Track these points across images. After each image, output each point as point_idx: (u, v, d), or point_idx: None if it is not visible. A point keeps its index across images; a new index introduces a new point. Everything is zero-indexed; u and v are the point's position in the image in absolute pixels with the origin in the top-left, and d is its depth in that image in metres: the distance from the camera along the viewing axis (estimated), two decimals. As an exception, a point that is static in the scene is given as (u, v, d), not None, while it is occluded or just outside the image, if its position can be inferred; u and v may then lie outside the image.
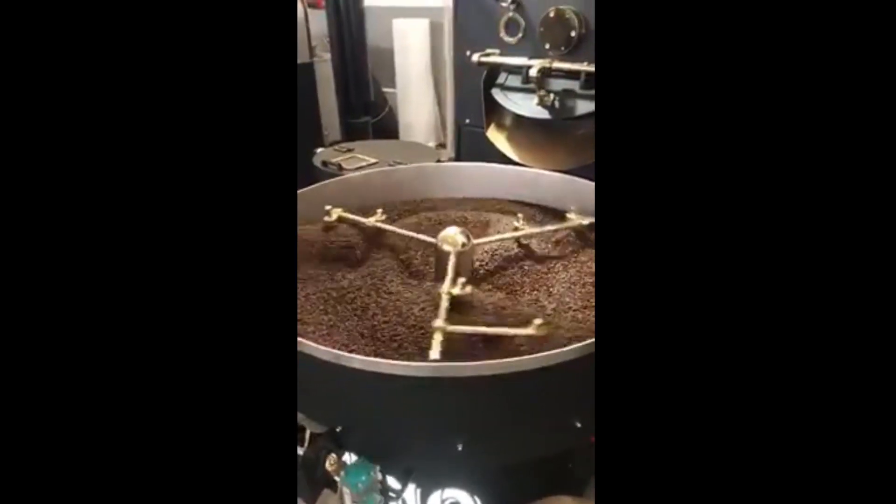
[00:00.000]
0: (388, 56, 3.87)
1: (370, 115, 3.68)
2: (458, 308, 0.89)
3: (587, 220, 1.12)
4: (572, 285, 0.99)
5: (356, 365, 0.71)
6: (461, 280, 0.91)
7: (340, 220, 1.16)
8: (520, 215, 1.15)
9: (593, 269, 1.03)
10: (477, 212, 1.25)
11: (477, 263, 1.08)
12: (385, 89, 3.93)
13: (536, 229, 1.12)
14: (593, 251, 1.09)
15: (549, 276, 1.04)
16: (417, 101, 3.95)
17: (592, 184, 1.21)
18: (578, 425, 0.81)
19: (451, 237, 1.05)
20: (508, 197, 1.30)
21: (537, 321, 0.78)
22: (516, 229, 1.12)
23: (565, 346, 0.73)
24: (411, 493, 0.98)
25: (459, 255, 1.01)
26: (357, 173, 1.46)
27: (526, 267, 1.07)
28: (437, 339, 0.77)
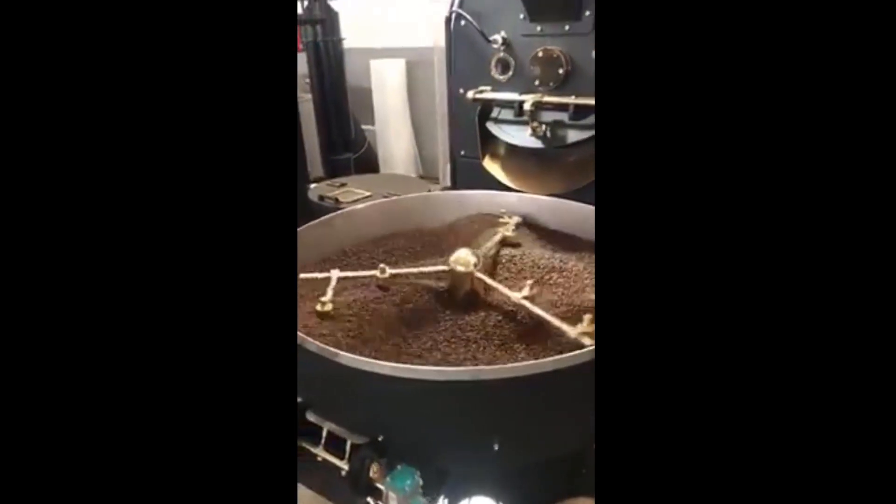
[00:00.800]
0: (366, 94, 4.01)
1: (351, 152, 3.78)
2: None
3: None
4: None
5: (392, 373, 0.78)
6: (528, 282, 1.00)
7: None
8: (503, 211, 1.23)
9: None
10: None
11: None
12: (364, 126, 4.05)
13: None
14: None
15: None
16: (396, 136, 4.08)
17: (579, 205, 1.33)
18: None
19: (463, 258, 1.13)
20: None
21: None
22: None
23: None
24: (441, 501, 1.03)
25: (475, 271, 1.10)
26: (362, 205, 1.53)
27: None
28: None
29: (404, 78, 3.99)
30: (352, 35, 3.52)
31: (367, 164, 3.96)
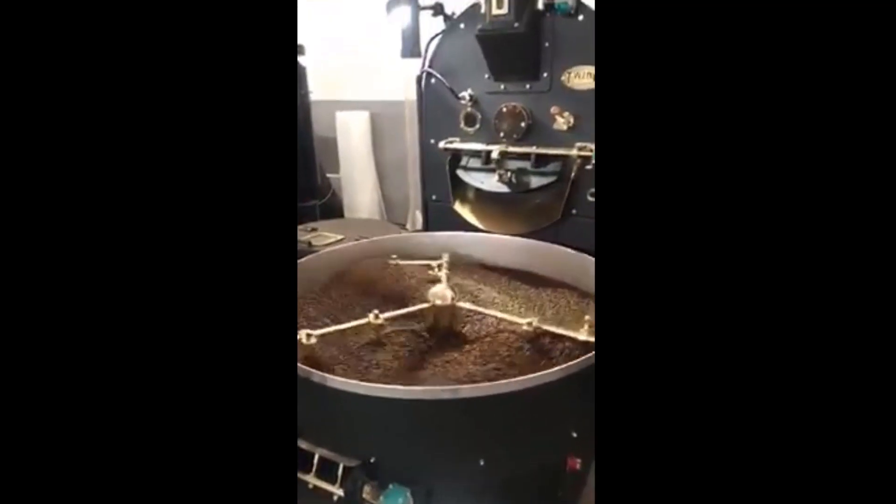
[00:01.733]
0: (331, 144, 4.14)
1: (316, 199, 3.86)
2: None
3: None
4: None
5: (380, 394, 0.84)
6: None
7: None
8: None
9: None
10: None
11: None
12: (329, 174, 4.15)
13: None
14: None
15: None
16: (361, 183, 4.20)
17: (548, 246, 1.46)
18: (574, 435, 0.97)
19: (441, 293, 1.23)
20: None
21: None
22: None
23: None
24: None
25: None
26: (340, 246, 1.61)
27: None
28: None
29: (369, 128, 4.15)
30: (318, 88, 3.67)
31: (332, 210, 4.04)
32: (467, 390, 0.88)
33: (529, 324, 1.07)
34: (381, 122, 4.11)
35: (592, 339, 1.00)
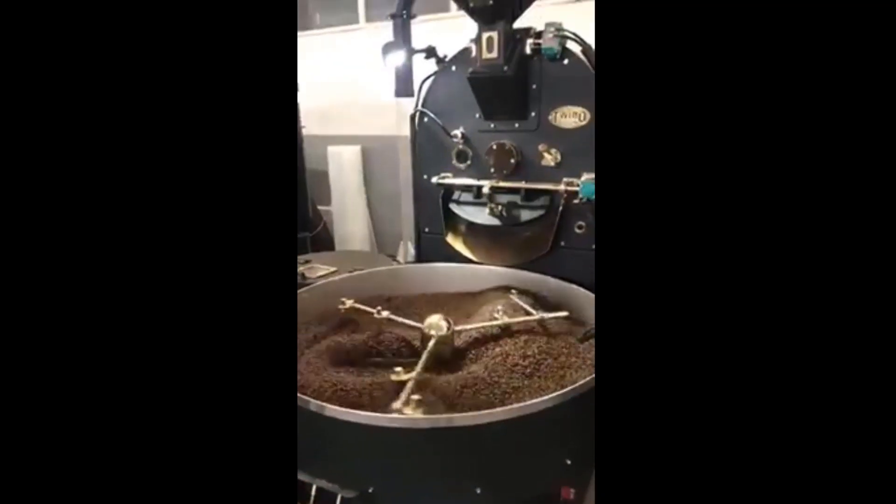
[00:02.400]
0: (323, 177, 4.21)
1: (308, 231, 3.90)
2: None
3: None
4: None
5: (376, 423, 0.87)
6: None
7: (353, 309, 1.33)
8: (499, 307, 1.35)
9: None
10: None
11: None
12: (320, 206, 4.20)
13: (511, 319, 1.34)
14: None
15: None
16: (352, 216, 4.25)
17: (536, 275, 1.51)
18: (569, 462, 0.99)
19: (436, 323, 1.26)
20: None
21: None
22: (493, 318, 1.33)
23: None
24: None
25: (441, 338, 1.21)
26: (336, 278, 1.64)
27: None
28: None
29: (360, 163, 4.23)
30: (311, 123, 3.75)
31: (323, 242, 4.07)
32: (461, 419, 0.91)
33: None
34: (373, 156, 4.20)
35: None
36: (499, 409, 0.91)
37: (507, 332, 1.26)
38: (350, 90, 4.02)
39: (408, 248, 3.51)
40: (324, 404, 0.92)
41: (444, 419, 0.91)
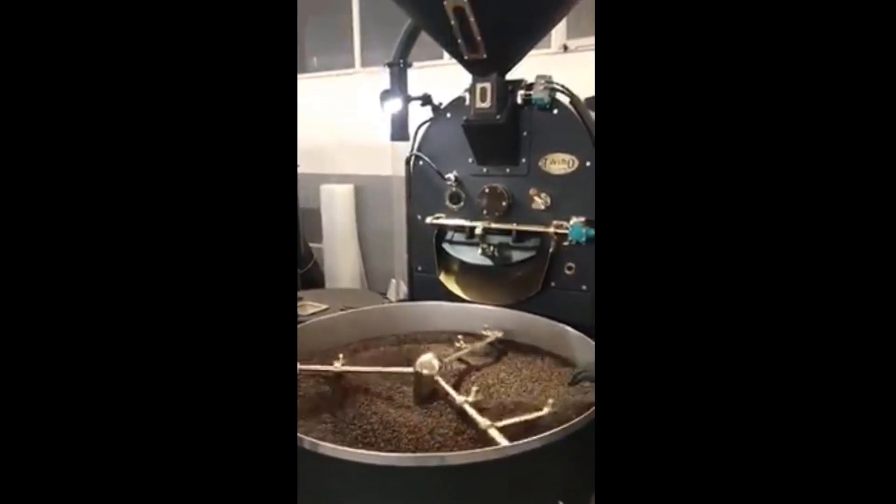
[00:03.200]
0: (315, 215, 4.25)
1: (299, 268, 3.91)
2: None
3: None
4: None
5: (370, 461, 0.89)
6: (473, 389, 1.15)
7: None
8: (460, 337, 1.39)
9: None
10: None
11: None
12: (311, 244, 4.23)
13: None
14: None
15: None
16: (343, 253, 4.27)
17: (526, 314, 1.55)
18: (560, 503, 0.99)
19: (429, 362, 1.28)
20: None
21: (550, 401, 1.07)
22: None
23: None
24: None
25: (436, 376, 1.24)
26: (329, 315, 1.66)
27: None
28: (496, 433, 1.00)
29: (352, 201, 4.29)
30: (304, 162, 3.83)
31: (313, 279, 4.08)
32: (453, 457, 0.92)
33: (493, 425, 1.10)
34: (365, 195, 4.26)
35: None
36: (488, 449, 0.93)
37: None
38: (344, 131, 4.12)
39: (399, 287, 3.53)
40: (317, 441, 0.93)
41: (435, 458, 0.93)
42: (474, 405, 1.12)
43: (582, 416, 1.00)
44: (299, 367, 1.31)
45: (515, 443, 0.94)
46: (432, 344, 1.54)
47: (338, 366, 1.34)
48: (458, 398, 1.16)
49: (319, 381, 1.34)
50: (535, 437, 0.94)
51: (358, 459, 0.89)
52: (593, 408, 1.03)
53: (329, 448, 0.92)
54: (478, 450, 0.94)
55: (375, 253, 4.32)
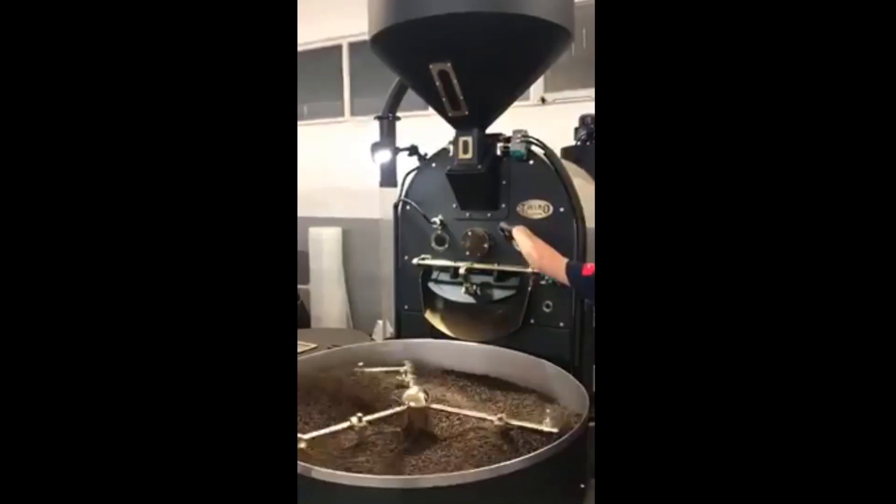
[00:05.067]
0: (302, 257, 4.34)
1: (285, 309, 3.96)
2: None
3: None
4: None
5: (364, 484, 0.95)
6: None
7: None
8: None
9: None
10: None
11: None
12: (298, 286, 4.30)
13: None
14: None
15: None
16: (329, 295, 4.34)
17: (508, 350, 1.64)
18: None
19: (415, 395, 1.36)
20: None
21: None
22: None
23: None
24: None
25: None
26: (316, 353, 1.74)
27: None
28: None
29: (340, 244, 4.40)
30: (295, 206, 3.94)
31: (300, 321, 4.12)
32: (440, 479, 1.00)
33: (500, 419, 1.21)
34: (352, 237, 4.38)
35: (555, 429, 1.15)
36: (476, 470, 1.00)
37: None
38: (333, 176, 4.27)
39: (385, 327, 3.59)
40: (310, 466, 0.99)
41: (427, 479, 1.00)
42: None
43: (564, 437, 1.09)
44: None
45: (501, 464, 1.01)
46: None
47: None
48: (484, 415, 1.24)
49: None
50: (520, 458, 1.02)
51: (355, 483, 0.96)
52: (572, 430, 1.13)
53: (321, 472, 0.98)
54: (464, 471, 1.01)
55: (361, 295, 4.40)
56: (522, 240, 1.55)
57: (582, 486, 1.21)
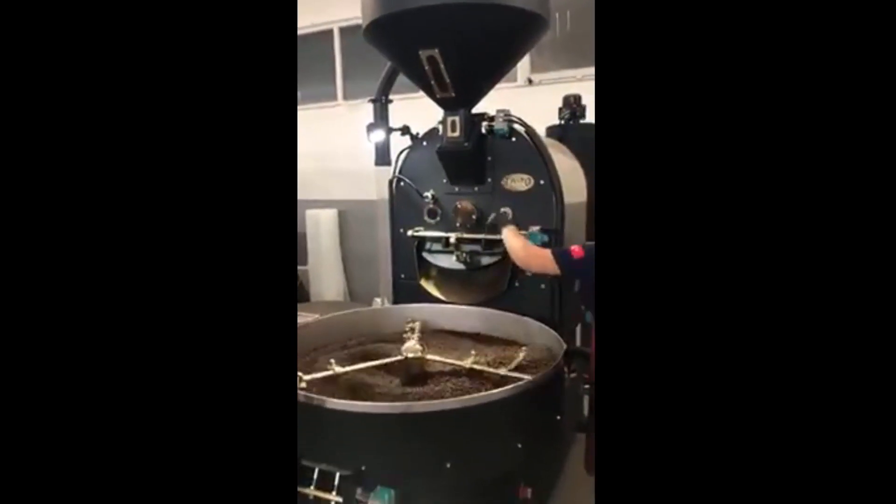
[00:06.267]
0: (301, 239, 4.48)
1: (286, 288, 4.12)
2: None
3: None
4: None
5: (365, 410, 1.14)
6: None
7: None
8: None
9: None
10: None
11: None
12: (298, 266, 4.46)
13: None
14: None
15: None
16: (327, 274, 4.50)
17: (497, 311, 1.81)
18: (520, 446, 1.25)
19: (412, 347, 1.54)
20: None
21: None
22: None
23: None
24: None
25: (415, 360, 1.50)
26: (327, 315, 1.92)
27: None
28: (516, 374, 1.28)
29: (336, 225, 4.55)
30: (292, 189, 4.08)
31: (299, 299, 4.29)
32: (431, 405, 1.18)
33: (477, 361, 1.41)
34: (349, 219, 4.53)
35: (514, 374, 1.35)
36: (458, 398, 1.19)
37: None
38: (328, 159, 4.40)
39: (383, 304, 3.75)
40: (324, 398, 1.17)
41: (419, 405, 1.18)
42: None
43: (540, 374, 1.27)
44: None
45: (476, 395, 1.20)
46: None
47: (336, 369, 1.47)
48: (461, 362, 1.42)
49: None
50: (496, 390, 1.20)
51: (358, 410, 1.14)
52: (553, 365, 1.32)
53: (335, 403, 1.16)
54: (444, 399, 1.20)
55: (358, 274, 4.56)
56: (510, 240, 1.68)
57: (558, 417, 1.40)
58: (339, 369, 1.40)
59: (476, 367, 1.44)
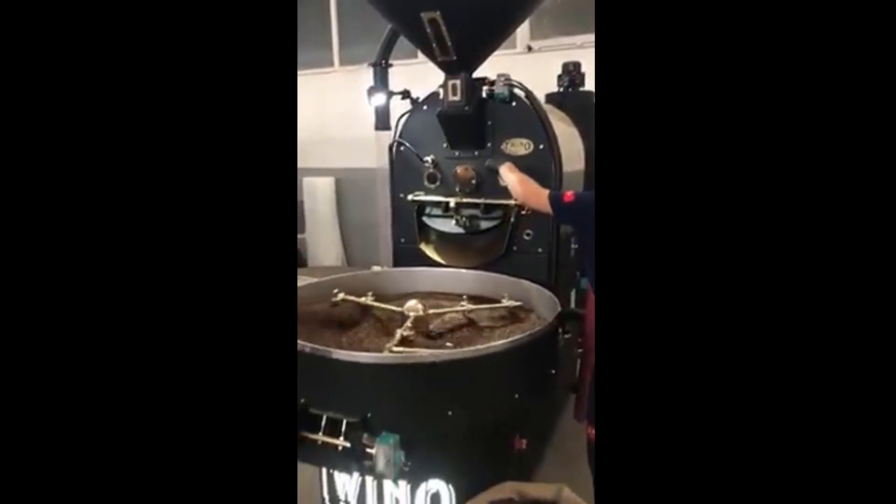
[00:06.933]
0: (298, 207, 4.50)
1: (284, 255, 4.16)
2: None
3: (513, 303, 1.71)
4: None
5: (370, 360, 1.20)
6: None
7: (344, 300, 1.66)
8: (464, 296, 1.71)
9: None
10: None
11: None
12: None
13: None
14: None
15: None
16: (325, 241, 4.53)
17: (495, 275, 1.86)
18: (517, 396, 1.31)
19: (414, 306, 1.59)
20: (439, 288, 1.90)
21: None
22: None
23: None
24: (403, 487, 1.37)
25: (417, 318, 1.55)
26: (331, 276, 1.96)
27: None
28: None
29: (333, 193, 4.56)
30: (289, 156, 4.07)
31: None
32: (430, 356, 1.24)
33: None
34: (347, 187, 4.53)
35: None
36: (459, 350, 1.24)
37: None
38: (325, 127, 4.38)
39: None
40: (330, 349, 1.22)
41: (426, 355, 1.24)
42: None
43: (537, 329, 1.33)
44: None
45: (476, 347, 1.26)
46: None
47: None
48: (460, 308, 1.51)
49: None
50: (490, 344, 1.26)
51: (364, 360, 1.20)
52: (549, 322, 1.37)
53: (342, 354, 1.21)
54: (446, 350, 1.25)
55: (357, 243, 4.60)
56: (508, 175, 1.73)
57: (553, 371, 1.46)
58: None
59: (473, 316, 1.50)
